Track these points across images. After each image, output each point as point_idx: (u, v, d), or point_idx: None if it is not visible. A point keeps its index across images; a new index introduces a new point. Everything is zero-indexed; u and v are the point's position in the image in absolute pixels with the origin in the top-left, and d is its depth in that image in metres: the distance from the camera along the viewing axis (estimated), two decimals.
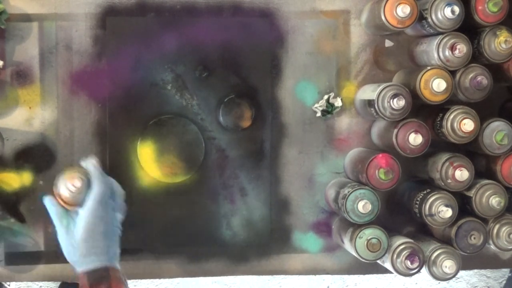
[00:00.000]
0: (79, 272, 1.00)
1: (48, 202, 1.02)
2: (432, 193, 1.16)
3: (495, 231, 1.19)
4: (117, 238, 1.04)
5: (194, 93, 1.23)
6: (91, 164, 1.04)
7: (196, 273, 1.27)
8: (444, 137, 1.17)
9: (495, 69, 1.16)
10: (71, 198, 1.01)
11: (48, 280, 1.27)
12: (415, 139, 1.13)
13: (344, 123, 1.27)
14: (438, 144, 1.20)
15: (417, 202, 1.18)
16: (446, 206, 1.15)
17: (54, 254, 1.22)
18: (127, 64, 1.21)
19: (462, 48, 1.11)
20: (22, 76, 1.20)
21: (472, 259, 1.25)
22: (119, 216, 1.05)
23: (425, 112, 1.21)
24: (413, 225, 1.29)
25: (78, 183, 1.00)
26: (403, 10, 1.10)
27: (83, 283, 0.98)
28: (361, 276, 2.21)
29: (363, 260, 1.15)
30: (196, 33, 1.22)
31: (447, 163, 1.16)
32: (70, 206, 1.01)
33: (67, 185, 1.00)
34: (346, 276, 2.23)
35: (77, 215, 1.01)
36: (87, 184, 1.02)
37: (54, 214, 1.01)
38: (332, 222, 1.27)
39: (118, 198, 1.06)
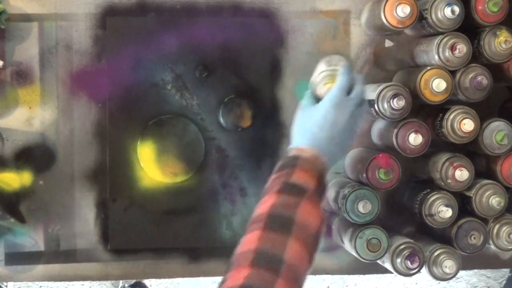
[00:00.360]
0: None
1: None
2: (432, 193, 1.16)
3: (495, 231, 1.19)
4: (344, 144, 0.97)
5: (194, 93, 1.23)
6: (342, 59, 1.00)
7: (196, 273, 1.27)
8: (444, 137, 1.17)
9: (495, 69, 1.16)
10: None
11: (48, 280, 1.27)
12: (415, 139, 1.13)
13: None
14: (438, 144, 1.20)
15: (417, 202, 1.18)
16: (446, 206, 1.15)
17: (54, 254, 1.22)
18: (127, 64, 1.21)
19: (462, 48, 1.11)
20: (22, 76, 1.20)
21: (472, 259, 1.25)
22: (360, 124, 0.98)
23: (425, 112, 1.21)
24: (413, 225, 1.29)
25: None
26: (403, 10, 1.10)
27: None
28: (361, 276, 2.21)
29: (363, 260, 1.15)
30: (196, 33, 1.22)
31: (447, 163, 1.16)
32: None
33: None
34: (346, 276, 2.24)
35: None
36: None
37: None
38: (332, 222, 1.27)
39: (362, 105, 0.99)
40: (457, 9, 1.09)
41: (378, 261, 1.18)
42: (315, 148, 0.94)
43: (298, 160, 0.92)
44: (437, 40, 1.13)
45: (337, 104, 0.96)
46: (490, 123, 1.16)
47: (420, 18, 1.13)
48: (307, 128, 0.96)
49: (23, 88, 1.20)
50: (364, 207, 1.13)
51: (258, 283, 0.76)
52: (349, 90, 0.98)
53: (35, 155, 1.21)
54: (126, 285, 2.16)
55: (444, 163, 1.16)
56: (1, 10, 1.15)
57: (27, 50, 1.20)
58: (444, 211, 1.14)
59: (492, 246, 1.21)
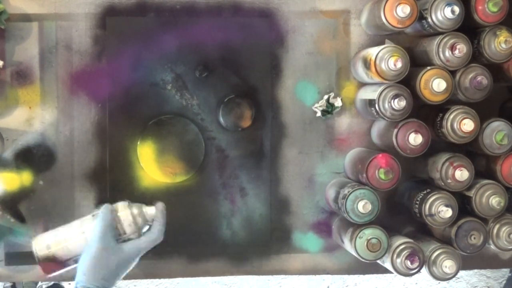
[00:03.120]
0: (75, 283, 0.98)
1: (106, 210, 1.00)
2: (432, 193, 1.16)
3: (495, 231, 1.19)
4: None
5: (194, 93, 1.23)
6: (159, 207, 1.03)
7: (196, 273, 1.27)
8: (444, 137, 1.17)
9: (495, 69, 1.16)
10: (128, 228, 1.01)
11: (48, 280, 1.27)
12: (415, 139, 1.13)
13: (344, 123, 1.27)
14: (438, 144, 1.20)
15: (417, 202, 1.18)
16: (446, 206, 1.15)
17: None
18: (127, 64, 1.21)
19: (462, 48, 1.11)
20: (22, 76, 1.20)
21: (472, 259, 1.25)
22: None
23: (425, 112, 1.21)
24: (413, 225, 1.29)
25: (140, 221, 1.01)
26: (403, 10, 1.10)
27: None
28: (361, 276, 2.21)
29: (363, 260, 1.15)
30: (196, 33, 1.22)
31: (447, 163, 1.16)
32: (124, 234, 1.01)
33: (135, 212, 1.01)
34: (346, 276, 2.23)
35: (123, 241, 1.00)
36: (144, 222, 1.02)
37: (103, 224, 0.99)
38: (332, 222, 1.27)
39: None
40: (457, 9, 1.09)
41: (378, 261, 1.18)
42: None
43: None
44: (437, 40, 1.13)
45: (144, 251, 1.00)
46: (490, 123, 1.16)
47: (420, 18, 1.13)
48: (105, 267, 0.97)
49: (23, 88, 1.20)
50: (364, 207, 1.13)
51: None
52: None
53: (35, 155, 1.21)
54: (43, 286, 2.13)
55: (444, 163, 1.16)
56: (1, 10, 1.15)
57: (27, 50, 1.20)
58: (444, 211, 1.14)
59: (492, 246, 1.21)
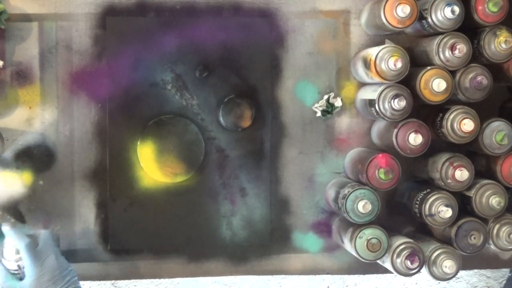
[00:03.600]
0: None
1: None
2: (432, 193, 1.16)
3: (495, 231, 1.19)
4: (73, 278, 1.04)
5: (194, 93, 1.23)
6: (3, 229, 1.05)
7: (196, 273, 1.27)
8: (444, 137, 1.17)
9: (495, 69, 1.16)
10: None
11: None
12: (415, 139, 1.13)
13: (344, 123, 1.27)
14: (438, 144, 1.20)
15: (417, 202, 1.18)
16: (446, 206, 1.15)
17: None
18: (127, 64, 1.21)
19: (462, 48, 1.11)
20: (22, 76, 1.20)
21: (472, 259, 1.25)
22: (64, 263, 1.05)
23: (425, 112, 1.21)
24: (413, 225, 1.29)
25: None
26: (403, 10, 1.10)
27: None
28: (361, 276, 2.21)
29: (363, 260, 1.15)
30: (196, 33, 1.22)
31: (447, 163, 1.16)
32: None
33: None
34: (346, 276, 2.23)
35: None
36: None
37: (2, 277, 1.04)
38: (332, 222, 1.27)
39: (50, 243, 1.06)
40: (457, 9, 1.09)
41: (378, 261, 1.18)
42: None
43: None
44: (437, 40, 1.13)
45: (40, 260, 1.02)
46: (490, 123, 1.16)
47: (420, 18, 1.13)
48: None
49: (23, 88, 1.20)
50: (364, 207, 1.13)
51: None
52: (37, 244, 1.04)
53: (35, 155, 1.21)
54: None
55: (444, 163, 1.16)
56: (1, 10, 1.15)
57: (27, 50, 1.20)
58: (444, 211, 1.14)
59: (492, 246, 1.21)
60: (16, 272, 1.05)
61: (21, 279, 1.04)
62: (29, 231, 1.07)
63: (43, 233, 1.07)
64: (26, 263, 1.02)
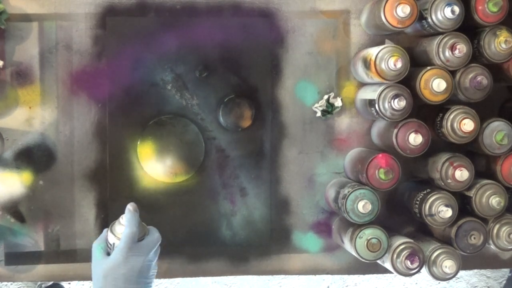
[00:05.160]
0: None
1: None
2: (432, 193, 1.16)
3: (495, 231, 1.19)
4: (146, 286, 1.02)
5: (194, 93, 1.23)
6: (127, 208, 1.03)
7: (196, 273, 1.27)
8: (444, 137, 1.17)
9: (495, 69, 1.16)
10: (112, 240, 1.03)
11: (48, 280, 1.27)
12: (415, 139, 1.13)
13: (344, 123, 1.27)
14: (438, 144, 1.20)
15: (417, 202, 1.18)
16: (446, 206, 1.15)
17: (54, 254, 1.22)
18: (127, 64, 1.21)
19: (462, 48, 1.11)
20: (22, 76, 1.20)
21: (472, 259, 1.25)
22: (152, 270, 1.03)
23: (425, 112, 1.21)
24: (413, 225, 1.29)
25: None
26: (403, 10, 1.10)
27: None
28: (361, 276, 2.21)
29: (363, 260, 1.15)
30: (196, 33, 1.22)
31: (447, 163, 1.16)
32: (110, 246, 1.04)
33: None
34: (346, 276, 2.23)
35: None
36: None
37: (99, 239, 1.03)
38: (332, 222, 1.27)
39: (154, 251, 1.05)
40: (457, 9, 1.09)
41: (378, 261, 1.18)
42: None
43: None
44: (437, 40, 1.13)
45: (131, 252, 1.00)
46: (490, 123, 1.16)
47: (420, 18, 1.13)
48: (111, 282, 0.99)
49: (23, 88, 1.20)
50: (364, 207, 1.13)
51: None
52: (142, 238, 1.02)
53: (35, 155, 1.21)
54: (43, 285, 2.14)
55: (444, 163, 1.16)
56: (1, 10, 1.15)
57: (27, 50, 1.20)
58: (444, 211, 1.15)
59: (492, 246, 1.21)
60: (109, 247, 1.04)
61: (108, 254, 1.03)
62: (145, 225, 1.04)
63: (154, 236, 1.04)
64: (118, 246, 1.00)
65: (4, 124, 1.20)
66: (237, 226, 1.26)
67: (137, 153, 1.22)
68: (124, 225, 1.02)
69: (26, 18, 1.19)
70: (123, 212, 1.03)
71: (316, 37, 1.26)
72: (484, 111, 1.17)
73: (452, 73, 1.14)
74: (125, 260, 0.99)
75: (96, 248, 1.03)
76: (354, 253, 1.16)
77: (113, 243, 1.02)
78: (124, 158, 1.22)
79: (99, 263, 1.01)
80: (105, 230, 1.05)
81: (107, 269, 0.99)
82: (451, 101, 1.15)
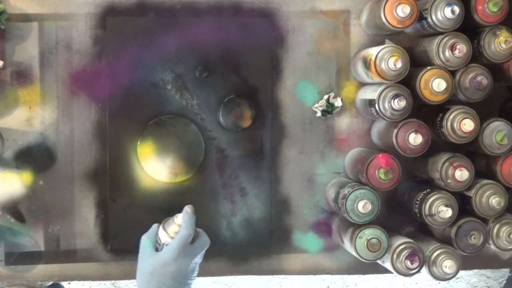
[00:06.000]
0: None
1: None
2: (432, 193, 1.16)
3: (495, 231, 1.19)
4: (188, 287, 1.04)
5: (194, 93, 1.23)
6: (184, 210, 1.06)
7: None
8: (444, 137, 1.17)
9: (495, 69, 1.16)
10: (164, 239, 1.05)
11: (48, 280, 1.27)
12: (415, 139, 1.13)
13: (344, 123, 1.27)
14: (438, 144, 1.20)
15: (417, 202, 1.18)
16: (446, 206, 1.15)
17: (54, 254, 1.22)
18: (127, 64, 1.21)
19: (462, 48, 1.11)
20: (22, 76, 1.20)
21: (472, 259, 1.25)
22: (195, 271, 1.06)
23: (425, 112, 1.21)
24: (413, 225, 1.29)
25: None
26: (403, 10, 1.10)
27: None
28: (361, 276, 2.21)
29: (363, 260, 1.15)
30: (196, 33, 1.22)
31: (447, 163, 1.16)
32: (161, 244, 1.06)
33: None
34: (346, 276, 2.24)
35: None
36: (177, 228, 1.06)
37: (149, 233, 1.06)
38: (332, 222, 1.27)
39: (200, 254, 1.07)
40: (457, 9, 1.09)
41: (378, 261, 1.18)
42: None
43: None
44: (437, 40, 1.13)
45: (183, 253, 1.03)
46: (490, 123, 1.16)
47: (420, 18, 1.13)
48: (157, 278, 1.02)
49: (23, 88, 1.20)
50: (364, 207, 1.13)
51: None
52: (192, 240, 1.05)
53: (35, 155, 1.21)
54: (43, 285, 2.13)
55: (444, 163, 1.16)
56: (1, 10, 1.15)
57: (27, 50, 1.20)
58: (444, 211, 1.15)
59: (492, 246, 1.21)
60: (158, 243, 1.05)
61: (156, 249, 1.05)
62: (196, 228, 1.07)
63: (204, 240, 1.07)
64: (170, 246, 1.03)
65: (4, 124, 1.20)
66: (237, 226, 1.26)
67: (137, 153, 1.22)
68: (179, 226, 1.03)
69: (26, 18, 1.19)
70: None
71: (316, 37, 1.26)
72: (484, 111, 1.17)
73: (452, 73, 1.14)
74: (175, 260, 1.01)
75: (146, 242, 1.05)
76: (354, 253, 1.16)
77: (165, 241, 1.03)
78: (124, 158, 1.22)
79: (148, 258, 1.03)
80: (155, 225, 1.08)
81: (157, 265, 1.01)
82: (451, 101, 1.15)
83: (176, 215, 1.06)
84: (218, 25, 1.22)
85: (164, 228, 1.06)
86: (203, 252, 1.07)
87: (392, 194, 1.28)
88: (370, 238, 1.14)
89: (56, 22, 1.20)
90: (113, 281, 2.18)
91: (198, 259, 1.06)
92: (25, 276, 1.23)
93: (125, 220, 1.22)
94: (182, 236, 1.03)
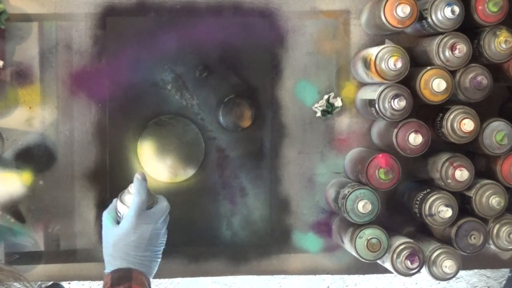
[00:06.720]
0: (105, 272, 1.02)
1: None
2: (432, 193, 1.16)
3: (495, 231, 1.19)
4: (156, 255, 1.04)
5: (194, 93, 1.23)
6: (135, 177, 1.05)
7: (196, 273, 1.27)
8: (444, 137, 1.17)
9: (495, 69, 1.16)
10: (122, 210, 1.05)
11: (48, 280, 1.27)
12: (415, 139, 1.13)
13: (344, 123, 1.27)
14: (438, 144, 1.20)
15: (417, 202, 1.18)
16: (446, 206, 1.15)
17: (54, 254, 1.22)
18: (127, 64, 1.21)
19: (462, 48, 1.11)
20: (22, 76, 1.20)
21: (472, 259, 1.25)
22: (160, 238, 1.05)
23: (425, 112, 1.21)
24: (413, 225, 1.29)
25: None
26: (403, 10, 1.10)
27: (106, 282, 0.99)
28: (361, 276, 2.21)
29: (363, 260, 1.15)
30: (196, 33, 1.22)
31: (447, 163, 1.16)
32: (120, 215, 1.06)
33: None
34: (346, 276, 2.23)
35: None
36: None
37: (109, 208, 1.06)
38: (332, 222, 1.27)
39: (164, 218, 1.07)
40: (457, 9, 1.09)
41: (378, 261, 1.18)
42: (134, 267, 1.01)
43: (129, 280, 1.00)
44: (437, 40, 1.13)
45: (141, 220, 1.02)
46: (490, 123, 1.16)
47: (420, 18, 1.13)
48: (120, 249, 1.01)
49: (23, 88, 1.20)
50: (364, 207, 1.13)
51: None
52: (150, 206, 1.05)
53: (35, 155, 1.21)
54: (42, 285, 2.13)
55: (444, 163, 1.16)
56: (1, 10, 1.15)
57: (27, 50, 1.20)
58: (444, 211, 1.14)
59: (492, 246, 1.21)
60: (119, 216, 1.05)
61: (118, 223, 1.04)
62: (153, 194, 1.07)
63: (162, 204, 1.06)
64: (126, 215, 1.02)
65: (4, 124, 1.20)
66: (237, 226, 1.26)
67: (137, 153, 1.22)
68: (133, 194, 1.02)
69: (26, 18, 1.19)
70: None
71: (316, 37, 1.26)
72: (484, 111, 1.17)
73: (452, 73, 1.14)
74: (134, 228, 1.01)
75: (106, 217, 1.05)
76: (354, 253, 1.16)
77: (123, 212, 1.03)
78: (124, 158, 1.22)
79: (109, 231, 1.03)
80: (114, 200, 1.07)
81: (117, 237, 1.01)
82: (451, 101, 1.15)
83: (130, 185, 1.05)
84: (218, 25, 1.23)
85: (121, 200, 1.05)
86: (165, 217, 1.06)
87: (392, 194, 1.28)
88: (370, 238, 1.14)
89: (56, 22, 1.20)
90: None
91: (161, 225, 1.05)
92: (25, 276, 1.23)
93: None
94: (135, 203, 1.01)
